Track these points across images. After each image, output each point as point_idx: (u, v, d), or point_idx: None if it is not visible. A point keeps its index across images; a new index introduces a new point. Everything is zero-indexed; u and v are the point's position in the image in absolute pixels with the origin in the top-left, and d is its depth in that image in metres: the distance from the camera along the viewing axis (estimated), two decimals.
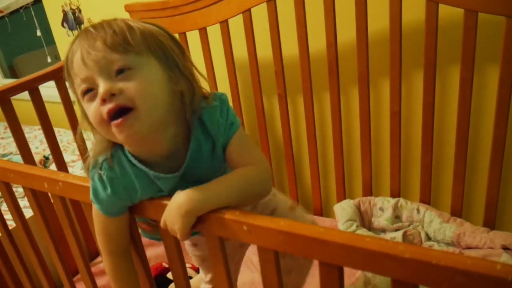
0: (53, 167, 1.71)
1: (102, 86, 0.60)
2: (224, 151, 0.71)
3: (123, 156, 0.70)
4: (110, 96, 0.60)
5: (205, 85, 0.73)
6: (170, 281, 1.19)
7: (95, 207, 0.73)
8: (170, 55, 0.65)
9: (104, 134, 0.66)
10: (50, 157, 1.83)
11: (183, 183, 0.68)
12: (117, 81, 0.61)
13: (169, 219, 0.63)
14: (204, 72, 1.52)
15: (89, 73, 0.61)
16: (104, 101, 0.60)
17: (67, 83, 0.70)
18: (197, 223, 0.64)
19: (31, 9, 2.17)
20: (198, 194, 0.61)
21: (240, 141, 0.71)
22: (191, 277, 1.21)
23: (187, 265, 1.24)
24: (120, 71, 0.61)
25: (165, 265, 1.25)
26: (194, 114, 0.69)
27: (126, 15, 1.54)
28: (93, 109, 0.62)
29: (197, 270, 1.25)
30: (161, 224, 0.65)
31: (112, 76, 0.61)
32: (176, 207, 0.61)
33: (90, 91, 0.63)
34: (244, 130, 0.74)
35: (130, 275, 0.79)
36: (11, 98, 1.21)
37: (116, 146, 0.71)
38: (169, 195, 0.65)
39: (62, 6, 1.96)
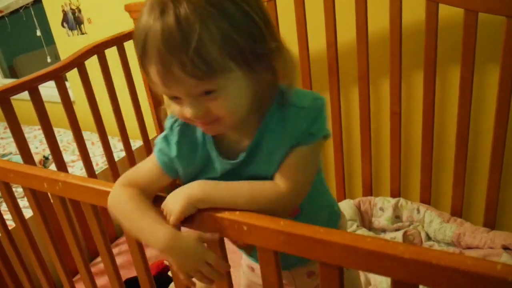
0: (53, 167, 1.71)
1: (188, 109, 0.58)
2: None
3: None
4: (195, 118, 0.59)
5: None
6: (171, 280, 1.19)
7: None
8: (251, 53, 0.56)
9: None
10: (50, 157, 1.83)
11: (235, 175, 0.66)
12: (203, 101, 0.57)
13: (173, 198, 0.63)
14: None
15: (169, 91, 0.57)
16: (189, 118, 0.59)
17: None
18: (197, 222, 0.64)
19: (31, 9, 2.17)
20: (209, 187, 0.62)
21: (301, 156, 0.64)
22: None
23: None
24: (204, 94, 0.57)
25: (166, 263, 1.25)
26: (275, 105, 0.63)
27: (126, 15, 1.54)
28: (178, 110, 0.60)
29: None
30: (162, 205, 0.64)
31: (196, 96, 0.57)
32: (188, 190, 0.62)
33: (176, 98, 0.59)
34: (320, 147, 0.66)
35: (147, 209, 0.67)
36: (11, 98, 1.21)
37: None
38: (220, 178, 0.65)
39: (62, 6, 1.96)
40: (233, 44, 0.54)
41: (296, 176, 0.64)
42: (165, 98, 0.63)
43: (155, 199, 0.69)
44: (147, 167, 0.71)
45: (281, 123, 0.63)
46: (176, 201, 0.62)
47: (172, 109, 0.61)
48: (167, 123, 0.70)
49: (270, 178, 0.64)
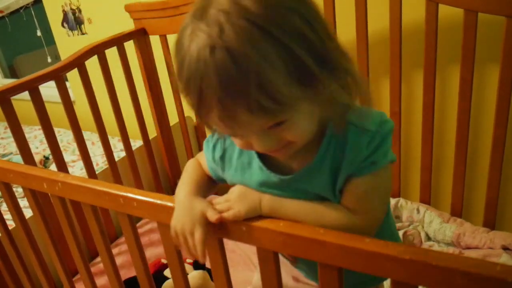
0: (53, 167, 1.71)
1: (259, 144, 0.54)
2: (345, 183, 0.59)
3: None
4: (268, 151, 0.56)
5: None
6: (166, 279, 1.19)
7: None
8: (315, 79, 0.50)
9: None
10: (50, 157, 1.83)
11: (280, 191, 0.62)
12: (272, 133, 0.53)
13: (241, 196, 0.61)
14: None
15: (236, 132, 0.54)
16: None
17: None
18: None
19: (31, 9, 2.17)
20: (277, 205, 0.60)
21: (369, 186, 0.58)
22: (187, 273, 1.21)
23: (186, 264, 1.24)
24: (274, 127, 0.52)
25: (164, 261, 1.25)
26: (338, 126, 0.57)
27: (126, 15, 1.54)
28: (241, 143, 0.57)
29: (192, 265, 1.25)
30: (226, 195, 0.61)
31: (265, 130, 0.52)
32: (258, 199, 0.60)
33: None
34: (388, 172, 0.61)
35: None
36: (11, 98, 1.21)
37: None
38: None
39: (62, 6, 1.96)
40: (298, 65, 0.48)
41: (370, 205, 0.59)
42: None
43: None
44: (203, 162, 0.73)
45: (339, 147, 0.58)
46: (243, 201, 0.60)
47: (233, 139, 0.59)
48: (208, 145, 0.70)
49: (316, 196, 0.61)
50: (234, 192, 0.63)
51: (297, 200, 0.61)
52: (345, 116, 0.57)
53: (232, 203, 0.61)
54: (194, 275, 1.18)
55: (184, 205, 0.62)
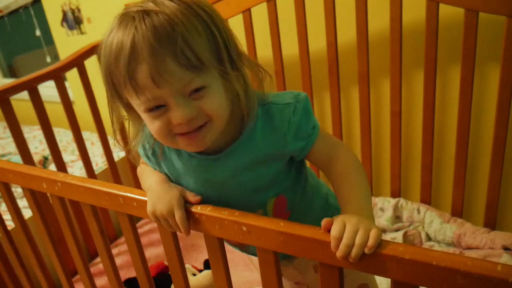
0: (52, 167, 1.70)
1: (180, 112, 0.56)
2: (301, 155, 0.68)
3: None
4: (188, 121, 0.57)
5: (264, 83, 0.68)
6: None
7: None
8: (225, 56, 0.59)
9: (162, 141, 0.63)
10: (50, 157, 1.82)
11: (212, 184, 0.67)
12: (191, 100, 0.57)
13: (366, 224, 0.53)
14: None
15: (159, 93, 0.55)
16: (180, 124, 0.57)
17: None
18: (197, 222, 0.64)
19: (31, 9, 2.17)
20: (370, 213, 0.60)
21: (323, 139, 0.68)
22: (194, 274, 1.21)
23: (187, 265, 1.23)
24: (195, 91, 0.57)
25: (166, 263, 1.25)
26: (251, 111, 0.63)
27: None
28: (160, 126, 0.58)
29: (198, 270, 1.25)
30: (347, 230, 0.53)
31: (186, 96, 0.56)
32: (369, 223, 0.53)
33: (157, 107, 0.57)
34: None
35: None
36: (11, 98, 1.21)
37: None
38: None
39: (62, 5, 1.96)
40: (215, 41, 0.57)
41: (332, 139, 0.70)
42: (134, 129, 0.66)
43: None
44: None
45: (268, 123, 0.64)
46: (371, 222, 0.54)
47: (152, 128, 0.60)
48: (141, 155, 0.72)
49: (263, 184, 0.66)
50: (350, 218, 0.57)
51: (354, 197, 0.63)
52: (256, 102, 0.63)
53: (365, 229, 0.54)
54: (204, 275, 1.19)
55: (158, 191, 0.66)
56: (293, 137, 0.65)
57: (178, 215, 0.63)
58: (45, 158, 1.84)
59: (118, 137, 0.67)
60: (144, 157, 0.72)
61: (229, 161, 0.65)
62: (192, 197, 0.65)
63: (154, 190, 0.67)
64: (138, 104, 0.58)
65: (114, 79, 0.57)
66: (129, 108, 0.62)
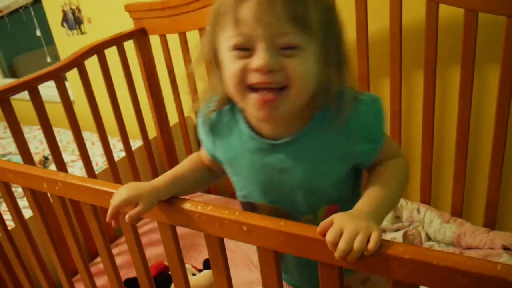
0: (53, 167, 1.70)
1: (263, 58, 0.53)
2: (366, 161, 0.64)
3: (235, 114, 0.66)
4: (268, 71, 0.54)
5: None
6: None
7: None
8: (335, 40, 0.58)
9: (233, 96, 0.59)
10: (50, 157, 1.82)
11: (267, 173, 0.64)
12: (280, 56, 0.54)
13: (366, 221, 0.53)
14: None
15: (254, 32, 0.54)
16: (258, 70, 0.54)
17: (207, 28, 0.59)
18: (197, 223, 0.64)
19: (31, 9, 2.17)
20: (379, 217, 0.58)
21: (389, 147, 0.65)
22: (194, 274, 1.21)
23: (186, 265, 1.23)
24: (288, 47, 0.54)
25: (167, 263, 1.25)
26: (341, 104, 0.59)
27: (126, 15, 1.54)
28: (237, 69, 0.56)
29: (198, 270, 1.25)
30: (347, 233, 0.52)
31: (276, 48, 0.54)
32: (369, 223, 0.53)
33: (243, 49, 0.55)
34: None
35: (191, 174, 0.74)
36: (11, 98, 1.21)
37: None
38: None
39: (62, 6, 1.96)
40: (329, 17, 0.57)
41: (393, 145, 0.67)
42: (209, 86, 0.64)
43: None
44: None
45: (337, 121, 0.60)
46: (372, 224, 0.53)
47: (229, 69, 0.57)
48: (200, 112, 0.70)
49: (309, 180, 0.63)
50: (351, 216, 0.56)
51: (373, 192, 0.61)
52: (338, 91, 0.59)
53: (366, 230, 0.53)
54: (204, 274, 1.19)
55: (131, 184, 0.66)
56: (363, 138, 0.61)
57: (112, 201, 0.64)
58: (45, 158, 1.84)
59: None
60: (201, 125, 0.70)
61: (293, 149, 0.62)
62: (132, 211, 0.63)
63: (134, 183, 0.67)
64: (228, 37, 0.56)
65: (221, 9, 0.56)
66: (215, 57, 0.61)
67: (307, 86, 0.57)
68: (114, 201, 0.64)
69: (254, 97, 0.56)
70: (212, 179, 0.78)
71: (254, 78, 0.55)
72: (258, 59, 0.54)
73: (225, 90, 0.62)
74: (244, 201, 0.72)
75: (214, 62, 0.62)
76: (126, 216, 0.62)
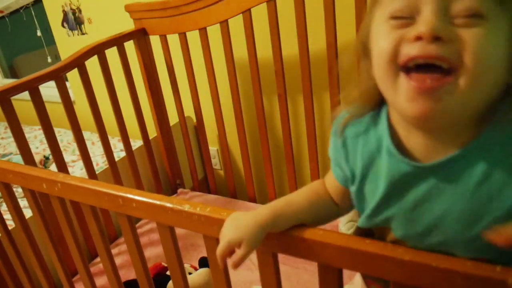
0: (53, 167, 1.71)
1: (429, 21, 0.40)
2: None
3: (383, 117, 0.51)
4: (434, 38, 0.40)
5: None
6: (169, 278, 1.19)
7: None
8: None
9: (381, 85, 0.46)
10: (50, 157, 1.83)
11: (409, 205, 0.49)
12: (451, 22, 0.40)
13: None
14: (203, 72, 1.53)
15: None
16: (420, 38, 0.40)
17: None
18: (195, 223, 0.64)
19: (31, 9, 2.17)
20: None
21: None
22: (190, 273, 1.21)
23: (186, 264, 1.23)
24: (465, 16, 0.40)
25: (164, 264, 1.25)
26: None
27: (126, 15, 1.54)
28: (390, 41, 0.42)
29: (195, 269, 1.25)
30: None
31: (448, 15, 0.40)
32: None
33: (402, 18, 0.42)
34: None
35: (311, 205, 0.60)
36: (11, 98, 1.21)
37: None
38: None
39: (62, 6, 1.96)
40: None
41: None
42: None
43: None
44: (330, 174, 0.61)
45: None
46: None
47: (381, 45, 0.43)
48: (336, 121, 0.57)
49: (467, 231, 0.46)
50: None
51: None
52: None
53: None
54: (200, 272, 1.19)
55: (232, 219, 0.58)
56: None
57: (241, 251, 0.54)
58: (46, 158, 1.84)
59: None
60: (333, 136, 0.57)
61: (449, 175, 0.46)
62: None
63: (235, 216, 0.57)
64: (385, 5, 0.44)
65: None
66: (365, 44, 0.49)
67: (485, 75, 0.41)
68: (218, 250, 0.56)
69: (406, 82, 0.42)
70: (334, 215, 0.63)
71: (412, 49, 0.41)
72: (422, 23, 0.40)
73: (371, 86, 0.49)
74: (372, 228, 0.57)
75: (362, 50, 0.50)
76: (231, 263, 0.55)
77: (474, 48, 0.40)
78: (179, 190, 1.76)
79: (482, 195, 0.45)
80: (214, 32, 1.44)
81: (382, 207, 0.52)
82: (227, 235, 0.56)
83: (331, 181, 0.61)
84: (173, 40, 1.53)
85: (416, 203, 0.49)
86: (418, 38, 0.40)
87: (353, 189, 0.57)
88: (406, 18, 0.42)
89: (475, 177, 0.45)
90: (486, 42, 0.40)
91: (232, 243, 0.55)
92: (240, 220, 0.56)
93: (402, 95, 0.43)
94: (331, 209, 0.62)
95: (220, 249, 0.56)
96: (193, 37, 1.48)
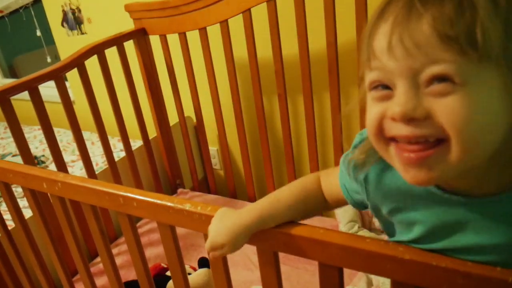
0: (52, 167, 1.70)
1: (401, 102, 0.38)
2: None
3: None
4: (407, 120, 0.38)
5: None
6: (169, 279, 1.19)
7: None
8: None
9: (371, 140, 0.44)
10: (43, 158, 1.82)
11: (445, 232, 0.46)
12: (424, 95, 0.38)
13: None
14: (203, 72, 1.53)
15: (391, 66, 0.39)
16: (395, 120, 0.39)
17: None
18: (196, 223, 0.64)
19: (31, 9, 2.17)
20: None
21: None
22: (189, 273, 1.21)
23: (186, 265, 1.23)
24: (438, 79, 0.37)
25: (164, 265, 1.25)
26: None
27: (126, 15, 1.54)
28: (373, 116, 0.42)
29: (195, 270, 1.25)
30: None
31: (419, 83, 0.38)
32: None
33: (381, 87, 0.41)
34: None
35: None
36: (11, 98, 1.21)
37: None
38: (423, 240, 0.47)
39: (62, 6, 1.96)
40: (508, 19, 0.36)
41: None
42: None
43: None
44: (335, 175, 0.59)
45: None
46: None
47: (368, 115, 0.43)
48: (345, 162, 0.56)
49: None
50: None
51: None
52: None
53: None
54: (199, 273, 1.19)
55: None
56: None
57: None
58: (35, 157, 1.83)
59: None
60: (345, 164, 0.55)
61: (489, 210, 0.43)
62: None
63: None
64: (368, 74, 0.42)
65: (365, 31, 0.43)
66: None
67: (478, 137, 0.38)
68: (206, 246, 0.59)
69: (396, 151, 0.41)
70: (322, 209, 0.64)
71: (392, 130, 0.40)
72: (394, 103, 0.39)
73: None
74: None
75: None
76: (210, 254, 0.59)
77: (452, 119, 0.37)
78: (179, 190, 1.76)
79: None
80: (214, 32, 1.44)
81: (423, 240, 0.49)
82: (211, 233, 0.59)
83: (332, 185, 0.60)
84: (173, 40, 1.53)
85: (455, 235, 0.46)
86: (394, 119, 0.40)
87: (378, 218, 0.55)
88: (385, 88, 0.41)
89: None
90: (464, 109, 0.36)
91: (215, 246, 0.58)
92: (226, 219, 0.58)
93: (396, 163, 0.43)
94: (319, 204, 0.62)
95: (206, 247, 0.59)
96: (193, 37, 1.48)
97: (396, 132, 0.40)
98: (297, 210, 0.59)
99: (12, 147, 2.08)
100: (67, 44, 2.04)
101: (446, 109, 0.37)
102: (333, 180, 0.61)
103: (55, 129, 1.37)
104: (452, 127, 0.37)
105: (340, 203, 0.61)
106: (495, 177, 0.42)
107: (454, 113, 0.37)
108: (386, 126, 0.41)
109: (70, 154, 1.91)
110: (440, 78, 0.37)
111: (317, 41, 1.33)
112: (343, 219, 1.31)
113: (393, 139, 0.41)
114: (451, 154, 0.38)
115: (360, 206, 0.58)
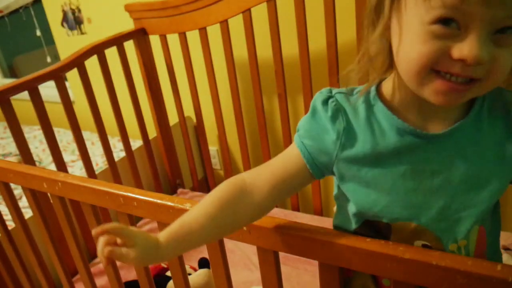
0: (52, 167, 1.70)
1: (475, 47, 0.41)
2: None
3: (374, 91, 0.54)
4: (476, 65, 0.42)
5: None
6: (169, 279, 1.19)
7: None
8: None
9: (411, 75, 0.46)
10: (38, 158, 1.82)
11: (416, 177, 0.51)
12: (491, 44, 0.42)
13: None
14: (203, 72, 1.53)
15: (470, 9, 0.40)
16: (463, 61, 0.42)
17: None
18: None
19: (31, 9, 2.17)
20: None
21: None
22: (189, 274, 1.21)
23: (186, 266, 1.23)
24: (506, 29, 0.41)
25: (164, 265, 1.25)
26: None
27: (126, 15, 1.54)
28: (432, 49, 0.43)
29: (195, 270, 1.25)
30: None
31: (491, 31, 0.41)
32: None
33: (448, 23, 0.42)
34: None
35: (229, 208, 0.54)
36: (11, 98, 1.21)
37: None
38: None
39: (62, 6, 1.96)
40: None
41: None
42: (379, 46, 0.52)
43: None
44: (279, 161, 0.57)
45: (498, 105, 0.51)
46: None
47: (418, 49, 0.43)
48: (317, 99, 0.57)
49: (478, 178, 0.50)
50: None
51: None
52: None
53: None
54: (199, 273, 1.19)
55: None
56: None
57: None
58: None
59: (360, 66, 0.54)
60: (330, 109, 0.56)
61: (451, 144, 0.50)
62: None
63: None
64: (428, 8, 0.42)
65: None
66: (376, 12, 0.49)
67: (502, 79, 0.46)
68: (107, 225, 0.50)
69: (439, 84, 0.44)
70: (249, 217, 0.57)
71: (452, 67, 0.43)
72: (467, 46, 0.41)
73: (383, 49, 0.51)
74: (372, 220, 0.55)
75: (375, 18, 0.50)
76: (108, 249, 0.50)
77: (502, 67, 0.43)
78: (179, 190, 1.76)
79: (481, 163, 0.51)
80: (214, 32, 1.44)
81: (384, 192, 0.53)
82: (137, 260, 0.51)
83: (274, 169, 0.56)
84: (173, 40, 1.53)
85: (422, 179, 0.52)
86: (462, 61, 0.42)
87: (341, 179, 0.55)
88: (452, 28, 0.42)
89: (474, 145, 0.51)
90: (511, 59, 0.44)
91: (125, 234, 0.50)
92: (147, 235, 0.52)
93: (429, 89, 0.46)
94: (249, 207, 0.55)
95: (109, 225, 0.50)
96: (193, 37, 1.48)
97: (455, 70, 0.43)
98: (212, 229, 0.54)
99: (12, 147, 2.08)
100: (67, 44, 2.04)
101: (503, 57, 0.43)
102: (276, 163, 0.57)
103: (55, 129, 1.37)
104: (499, 73, 0.44)
105: (285, 186, 0.55)
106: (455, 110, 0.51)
107: (505, 62, 0.43)
108: (444, 62, 0.43)
109: (70, 154, 1.91)
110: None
111: (317, 41, 1.33)
112: None
113: (436, 71, 0.45)
114: (481, 88, 0.45)
115: (318, 172, 0.55)
